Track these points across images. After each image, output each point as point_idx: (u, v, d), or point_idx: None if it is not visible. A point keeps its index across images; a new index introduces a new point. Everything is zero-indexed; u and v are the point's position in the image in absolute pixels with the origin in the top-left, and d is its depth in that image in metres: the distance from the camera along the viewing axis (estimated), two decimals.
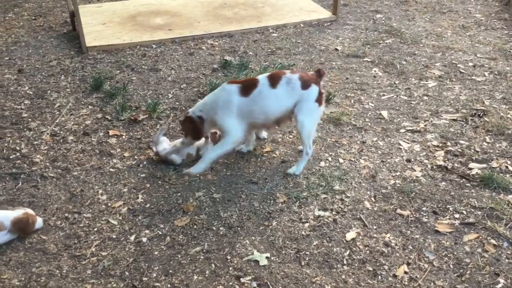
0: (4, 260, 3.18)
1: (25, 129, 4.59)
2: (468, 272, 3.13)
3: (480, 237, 3.42)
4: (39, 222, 3.44)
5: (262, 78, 3.99)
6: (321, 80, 4.04)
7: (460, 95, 5.34)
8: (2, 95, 5.16)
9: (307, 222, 3.55)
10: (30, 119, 4.75)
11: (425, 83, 5.62)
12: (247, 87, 3.94)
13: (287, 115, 4.05)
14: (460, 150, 4.38)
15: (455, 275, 3.12)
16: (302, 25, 7.28)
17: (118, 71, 5.77)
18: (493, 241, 3.38)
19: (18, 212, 3.36)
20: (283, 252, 3.29)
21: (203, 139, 4.20)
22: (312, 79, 3.98)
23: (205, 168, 4.04)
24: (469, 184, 3.96)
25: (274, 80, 3.94)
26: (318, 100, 3.97)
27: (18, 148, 4.31)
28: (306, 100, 3.93)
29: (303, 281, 3.07)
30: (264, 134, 4.55)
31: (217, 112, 3.95)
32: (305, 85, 3.93)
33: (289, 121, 4.22)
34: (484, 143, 4.48)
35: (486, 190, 3.88)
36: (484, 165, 4.16)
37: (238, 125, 3.94)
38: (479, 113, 4.94)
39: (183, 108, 4.99)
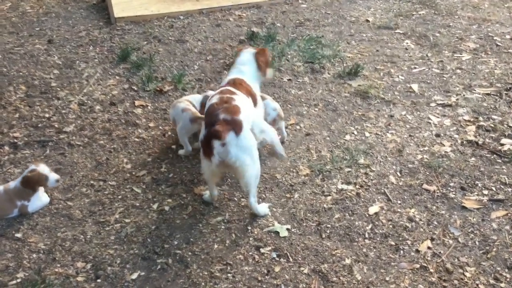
0: (31, 224, 3.28)
1: (53, 98, 4.66)
2: (494, 249, 3.04)
3: (509, 214, 3.30)
4: (51, 180, 3.37)
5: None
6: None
7: (495, 69, 5.12)
8: (32, 65, 5.24)
9: (329, 195, 3.51)
10: (58, 89, 4.82)
11: (459, 56, 5.41)
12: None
13: None
14: (492, 125, 4.21)
15: (481, 252, 3.04)
16: None
17: (145, 42, 5.77)
18: None
19: (26, 172, 3.34)
20: (304, 224, 3.27)
21: None
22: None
23: None
24: (500, 160, 3.82)
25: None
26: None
27: (46, 116, 4.39)
28: None
29: (323, 253, 3.05)
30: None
31: None
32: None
33: None
34: None
35: None
36: None
37: None
38: None
39: (209, 79, 4.96)
